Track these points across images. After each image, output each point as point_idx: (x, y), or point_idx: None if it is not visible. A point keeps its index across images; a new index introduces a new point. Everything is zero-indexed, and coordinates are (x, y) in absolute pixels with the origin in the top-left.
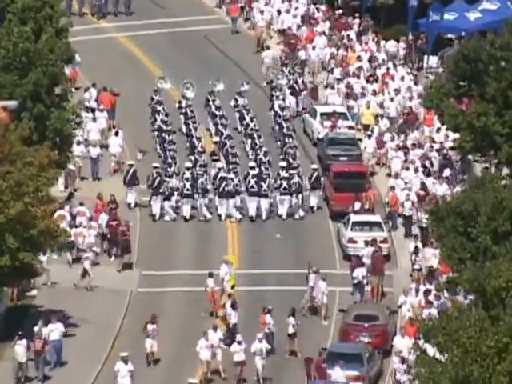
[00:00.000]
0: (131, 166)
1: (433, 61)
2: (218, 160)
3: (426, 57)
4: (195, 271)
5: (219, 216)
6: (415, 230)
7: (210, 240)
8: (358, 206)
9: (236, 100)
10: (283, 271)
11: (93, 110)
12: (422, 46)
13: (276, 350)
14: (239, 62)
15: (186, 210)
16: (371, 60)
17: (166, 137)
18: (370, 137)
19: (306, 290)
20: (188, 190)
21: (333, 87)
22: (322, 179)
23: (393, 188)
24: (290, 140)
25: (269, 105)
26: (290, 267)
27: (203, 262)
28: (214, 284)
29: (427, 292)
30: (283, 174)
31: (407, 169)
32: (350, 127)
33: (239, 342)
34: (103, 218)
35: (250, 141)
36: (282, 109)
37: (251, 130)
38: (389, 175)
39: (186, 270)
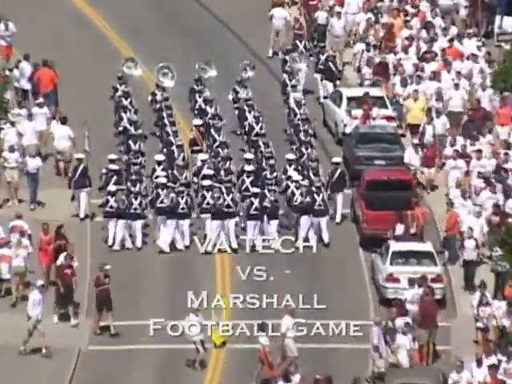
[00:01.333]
0: (80, 161)
1: (508, 23)
2: (200, 151)
3: (497, 18)
4: (171, 321)
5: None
6: (482, 274)
7: (192, 276)
8: (400, 229)
9: (235, 92)
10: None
11: (25, 97)
12: (491, 3)
13: None
14: (242, 33)
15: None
16: (426, 27)
17: (132, 145)
18: (417, 147)
19: (365, 348)
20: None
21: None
22: (347, 180)
23: (451, 203)
24: (310, 150)
25: (282, 99)
26: (318, 317)
27: (184, 307)
28: (268, 341)
29: (495, 366)
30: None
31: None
32: (390, 118)
33: None
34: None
35: (253, 150)
36: (300, 105)
37: (256, 134)
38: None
39: (159, 319)
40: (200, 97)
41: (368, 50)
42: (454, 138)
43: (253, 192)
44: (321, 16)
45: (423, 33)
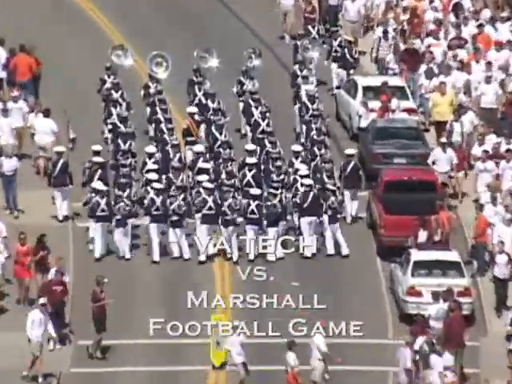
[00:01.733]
0: (59, 155)
1: None
2: (194, 142)
3: None
4: (165, 340)
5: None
6: None
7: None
8: (423, 236)
9: (240, 83)
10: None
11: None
12: None
13: None
14: (247, 15)
15: (156, 245)
16: (454, 9)
17: (121, 144)
18: (445, 146)
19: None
20: (158, 209)
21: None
22: (361, 175)
23: (480, 207)
24: (323, 150)
25: (292, 92)
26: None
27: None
28: (296, 361)
29: None
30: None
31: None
32: (411, 110)
33: None
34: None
35: (259, 150)
36: (312, 99)
37: (262, 132)
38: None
39: (150, 340)
40: (200, 90)
41: (386, 38)
42: (482, 136)
43: (252, 194)
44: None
45: (451, 16)
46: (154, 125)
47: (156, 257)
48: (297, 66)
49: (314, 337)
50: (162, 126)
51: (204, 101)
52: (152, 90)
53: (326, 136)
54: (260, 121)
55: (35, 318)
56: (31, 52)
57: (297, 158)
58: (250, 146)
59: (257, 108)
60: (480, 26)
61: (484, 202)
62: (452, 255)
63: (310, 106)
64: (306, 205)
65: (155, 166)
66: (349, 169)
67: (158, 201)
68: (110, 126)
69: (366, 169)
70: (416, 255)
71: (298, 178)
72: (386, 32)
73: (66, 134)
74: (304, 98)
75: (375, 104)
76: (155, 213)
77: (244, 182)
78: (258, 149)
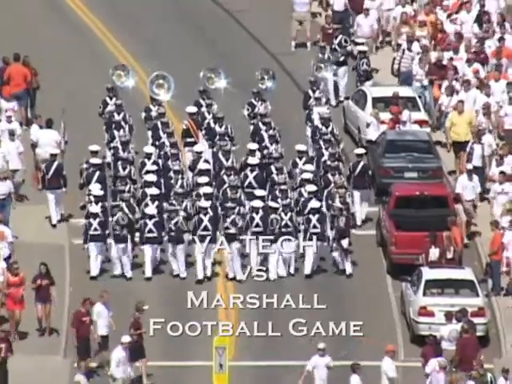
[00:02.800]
0: (54, 157)
1: None
2: (194, 143)
3: None
4: (168, 362)
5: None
6: None
7: (189, 310)
8: (435, 253)
9: (251, 106)
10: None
11: None
12: None
13: None
14: (258, 30)
15: (148, 260)
16: (481, 19)
17: (120, 170)
18: (471, 173)
19: None
20: (151, 231)
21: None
22: (370, 175)
23: (496, 224)
24: (337, 176)
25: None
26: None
27: (182, 347)
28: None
29: None
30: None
31: None
32: (423, 122)
33: None
34: None
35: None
36: (326, 122)
37: (269, 157)
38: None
39: (153, 362)
40: (209, 113)
41: (410, 50)
42: (501, 157)
43: (253, 206)
44: (337, 2)
45: (474, 27)
46: (157, 150)
47: (148, 273)
48: (309, 87)
49: (382, 361)
50: (167, 151)
51: (211, 125)
52: (154, 113)
53: (339, 161)
54: (268, 145)
55: (119, 356)
56: (27, 62)
57: (301, 158)
58: (252, 146)
59: (266, 131)
60: (501, 39)
61: (505, 225)
62: (465, 273)
63: (323, 129)
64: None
65: (154, 167)
66: (358, 169)
67: (150, 223)
68: (112, 151)
69: (375, 183)
70: (428, 274)
71: (303, 178)
72: (410, 43)
73: (61, 134)
74: (317, 122)
75: (385, 116)
76: (149, 235)
77: (246, 184)
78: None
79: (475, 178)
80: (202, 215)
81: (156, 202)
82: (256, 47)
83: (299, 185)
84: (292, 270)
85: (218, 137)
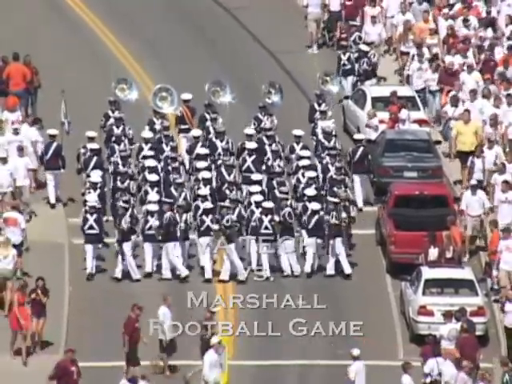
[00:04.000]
0: (53, 138)
1: None
2: (188, 130)
3: None
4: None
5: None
6: None
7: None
8: (434, 253)
9: (258, 121)
10: (313, 362)
11: None
12: None
13: None
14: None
15: (149, 259)
16: (491, 24)
17: (119, 184)
18: (475, 188)
19: None
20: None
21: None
22: (370, 160)
23: (495, 223)
24: (342, 189)
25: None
26: (318, 356)
27: (184, 348)
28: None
29: None
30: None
31: None
32: (422, 121)
33: None
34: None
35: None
36: (329, 136)
37: (271, 172)
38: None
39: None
40: (214, 128)
41: (421, 56)
42: (503, 165)
43: (255, 201)
44: (333, 2)
45: (488, 31)
46: (160, 163)
47: (148, 268)
48: (315, 100)
49: (402, 378)
50: (170, 164)
51: (214, 141)
52: (157, 127)
53: (347, 176)
54: (271, 161)
55: (211, 359)
56: (27, 61)
57: (298, 143)
58: (249, 130)
59: (270, 146)
60: (510, 48)
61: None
62: (465, 273)
63: (326, 143)
64: (310, 226)
65: (151, 153)
66: (358, 154)
67: (152, 220)
68: (112, 167)
69: (375, 183)
70: (427, 273)
71: (299, 165)
72: (420, 48)
73: (61, 115)
74: (320, 136)
75: (384, 115)
76: (148, 232)
77: (244, 168)
78: (266, 190)
79: (480, 192)
80: (204, 217)
81: (156, 188)
82: (256, 46)
83: (295, 171)
84: (296, 270)
85: (220, 151)
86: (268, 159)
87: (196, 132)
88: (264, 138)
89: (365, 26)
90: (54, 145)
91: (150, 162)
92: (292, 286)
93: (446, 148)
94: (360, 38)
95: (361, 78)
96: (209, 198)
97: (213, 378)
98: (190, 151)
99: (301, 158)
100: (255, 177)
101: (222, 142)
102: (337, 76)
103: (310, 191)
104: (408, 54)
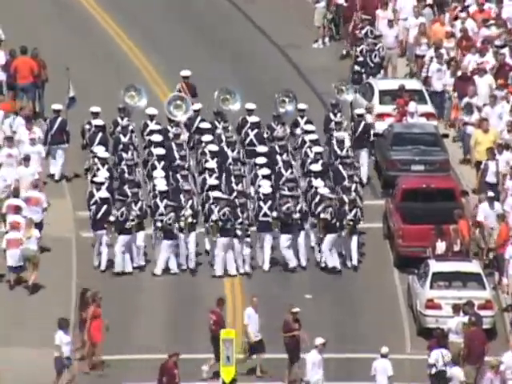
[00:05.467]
0: (57, 113)
1: None
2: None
3: None
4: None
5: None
6: None
7: (197, 306)
8: (442, 246)
9: (270, 129)
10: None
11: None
12: None
13: None
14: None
15: (163, 256)
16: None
17: (128, 192)
18: (492, 200)
19: None
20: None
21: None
22: (372, 135)
23: (503, 216)
24: (356, 208)
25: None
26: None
27: (187, 340)
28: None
29: None
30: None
31: None
32: (430, 115)
33: None
34: None
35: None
36: (342, 145)
37: (283, 182)
38: None
39: (156, 355)
40: (226, 137)
41: (439, 58)
42: None
43: (263, 193)
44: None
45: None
46: (170, 172)
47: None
48: (330, 109)
49: (451, 369)
50: (179, 173)
51: (226, 151)
52: (170, 135)
53: (359, 184)
54: (283, 170)
55: (315, 359)
56: (35, 55)
57: (302, 117)
58: (250, 105)
59: (281, 155)
60: None
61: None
62: (472, 266)
63: (339, 152)
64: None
65: (158, 127)
66: (360, 129)
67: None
68: (119, 173)
69: (382, 176)
70: (435, 266)
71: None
72: (438, 49)
73: (66, 91)
74: (335, 146)
75: (391, 108)
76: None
77: (247, 142)
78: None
79: (497, 205)
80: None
81: (162, 162)
82: (262, 39)
83: (301, 145)
84: (303, 262)
85: (231, 161)
86: (279, 168)
87: (197, 106)
88: (276, 147)
89: (381, 28)
90: (59, 120)
91: (157, 137)
92: (297, 280)
93: (461, 154)
94: (371, 32)
95: (372, 70)
96: (216, 171)
97: (315, 378)
98: (189, 125)
99: (306, 132)
100: (260, 149)
101: (233, 151)
102: (351, 85)
103: (316, 167)
104: (423, 57)
